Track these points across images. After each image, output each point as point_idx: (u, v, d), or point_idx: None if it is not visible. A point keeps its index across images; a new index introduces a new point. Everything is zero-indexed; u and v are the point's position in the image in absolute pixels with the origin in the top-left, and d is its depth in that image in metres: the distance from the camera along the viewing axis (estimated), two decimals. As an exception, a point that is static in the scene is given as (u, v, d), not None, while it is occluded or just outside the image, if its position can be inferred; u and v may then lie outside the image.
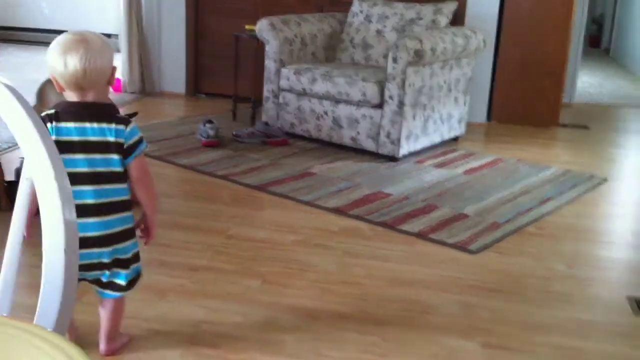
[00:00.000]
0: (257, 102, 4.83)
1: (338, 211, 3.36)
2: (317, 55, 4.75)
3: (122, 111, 4.95)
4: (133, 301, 2.42)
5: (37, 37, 7.74)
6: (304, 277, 2.67)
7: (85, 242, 1.71)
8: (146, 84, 5.63)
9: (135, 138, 1.88)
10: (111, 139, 1.84)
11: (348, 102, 4.21)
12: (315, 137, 4.42)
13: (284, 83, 4.46)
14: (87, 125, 1.83)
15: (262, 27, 4.51)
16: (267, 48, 4.52)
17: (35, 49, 7.40)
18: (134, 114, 3.35)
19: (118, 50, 5.61)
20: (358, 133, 4.22)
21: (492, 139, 5.02)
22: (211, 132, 4.25)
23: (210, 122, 4.32)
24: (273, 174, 3.84)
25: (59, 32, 6.58)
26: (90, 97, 1.84)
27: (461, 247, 3.01)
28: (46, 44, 6.66)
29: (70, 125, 1.82)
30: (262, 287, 2.57)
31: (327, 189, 3.65)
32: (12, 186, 3.19)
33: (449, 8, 4.59)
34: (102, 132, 1.84)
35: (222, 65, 5.46)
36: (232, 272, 2.69)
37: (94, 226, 1.87)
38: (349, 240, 3.05)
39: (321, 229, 3.15)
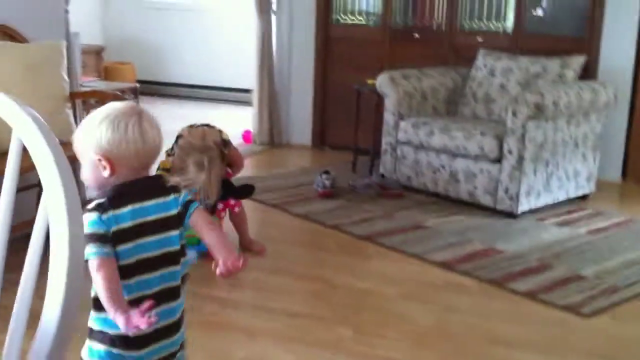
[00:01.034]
0: (375, 154, 4.86)
1: (445, 265, 3.27)
2: (437, 109, 4.72)
3: (252, 161, 5.18)
4: (224, 340, 2.47)
5: (178, 92, 8.27)
6: (399, 330, 2.62)
7: (170, 329, 1.55)
8: (274, 136, 5.83)
9: (186, 198, 1.59)
10: (174, 211, 1.55)
11: (465, 156, 4.13)
12: (431, 190, 4.37)
13: (402, 136, 4.46)
14: (149, 203, 1.52)
15: (382, 82, 4.56)
16: (386, 101, 4.56)
17: (175, 102, 7.89)
18: (251, 189, 3.47)
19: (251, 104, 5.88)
20: (475, 187, 4.12)
21: (625, 198, 4.72)
22: (327, 183, 4.31)
23: (327, 172, 4.38)
24: (384, 225, 3.82)
25: (198, 87, 6.92)
26: (145, 173, 1.56)
27: (573, 309, 2.83)
28: (186, 97, 6.99)
29: (129, 208, 1.49)
30: (355, 337, 2.55)
31: (438, 242, 3.58)
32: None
33: (577, 61, 4.43)
34: (166, 206, 1.54)
35: (347, 118, 5.56)
36: (328, 319, 2.68)
37: (177, 309, 1.58)
38: (452, 295, 2.96)
39: (425, 283, 3.08)
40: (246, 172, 4.96)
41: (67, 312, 0.98)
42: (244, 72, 6.56)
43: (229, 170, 3.40)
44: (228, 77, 8.01)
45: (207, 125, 3.43)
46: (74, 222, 1.00)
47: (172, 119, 3.52)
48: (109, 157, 1.47)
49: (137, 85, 6.35)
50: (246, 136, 5.88)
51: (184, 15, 8.33)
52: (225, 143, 3.34)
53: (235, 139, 5.88)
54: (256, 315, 2.72)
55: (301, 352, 2.41)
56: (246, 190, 3.44)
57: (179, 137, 3.37)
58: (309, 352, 2.42)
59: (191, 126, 3.42)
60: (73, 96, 3.30)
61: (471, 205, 4.18)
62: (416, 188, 4.45)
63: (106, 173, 1.48)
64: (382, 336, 2.56)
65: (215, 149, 3.24)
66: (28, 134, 1.07)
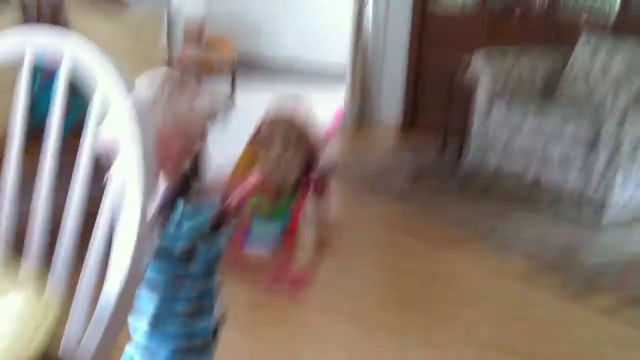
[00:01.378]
0: (465, 136, 4.72)
1: (527, 255, 3.14)
2: (535, 90, 4.53)
3: (338, 143, 5.16)
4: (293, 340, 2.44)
5: (275, 65, 8.34)
6: (466, 318, 2.53)
7: None
8: (365, 114, 5.77)
9: None
10: None
11: (560, 139, 3.95)
12: (522, 175, 4.21)
13: (494, 117, 4.31)
14: None
15: (476, 60, 4.42)
16: (480, 81, 4.42)
17: (270, 76, 7.95)
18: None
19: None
20: (568, 173, 3.93)
21: None
22: (411, 166, 4.23)
23: (412, 155, 4.30)
24: (465, 213, 3.75)
25: (294, 61, 6.89)
26: None
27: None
28: (281, 71, 6.98)
29: None
30: (422, 323, 2.48)
31: (521, 233, 3.45)
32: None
33: (690, 44, 4.14)
34: None
35: (440, 99, 5.43)
36: (396, 304, 2.63)
37: None
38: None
39: (498, 275, 2.98)
40: (335, 150, 4.95)
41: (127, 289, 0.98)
42: (339, 49, 6.51)
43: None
44: (324, 52, 7.99)
45: (296, 101, 3.39)
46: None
47: (267, 92, 3.53)
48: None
49: (234, 55, 6.43)
50: (339, 114, 5.85)
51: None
52: (311, 128, 3.31)
53: (328, 114, 5.88)
54: (325, 292, 2.69)
55: (369, 335, 2.38)
56: (329, 170, 3.42)
57: (266, 112, 3.37)
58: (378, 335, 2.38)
59: (280, 102, 3.40)
60: (171, 63, 3.38)
61: (563, 192, 3.99)
62: (506, 172, 4.30)
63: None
64: (454, 325, 2.49)
65: (303, 131, 3.23)
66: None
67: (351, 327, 2.39)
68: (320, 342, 2.33)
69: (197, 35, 7.88)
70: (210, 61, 6.51)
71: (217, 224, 1.29)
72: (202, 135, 1.31)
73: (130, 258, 0.95)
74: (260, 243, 3.10)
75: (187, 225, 1.24)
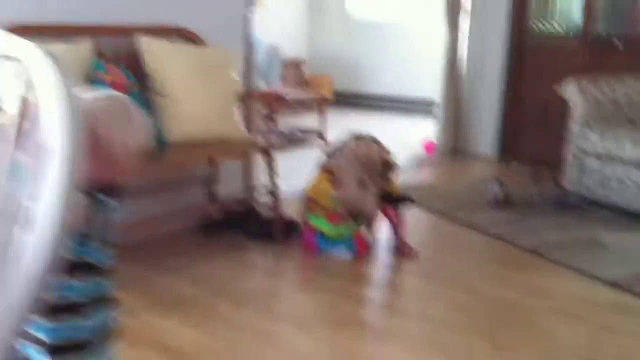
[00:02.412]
0: (560, 166, 4.52)
1: (614, 284, 2.94)
2: (633, 120, 4.28)
3: (432, 171, 5.09)
4: (352, 338, 2.43)
5: (371, 102, 8.42)
6: (542, 346, 2.39)
7: None
8: (459, 146, 5.67)
9: None
10: None
11: (658, 168, 3.70)
12: (618, 205, 3.96)
13: (588, 147, 4.11)
14: None
15: (569, 89, 4.25)
16: (573, 110, 4.24)
17: (365, 112, 8.00)
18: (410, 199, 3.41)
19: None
20: (668, 204, 3.68)
21: None
22: (499, 193, 4.10)
23: (500, 182, 4.16)
24: (554, 238, 3.54)
25: (388, 99, 6.98)
26: None
27: None
28: (377, 108, 7.07)
29: None
30: (490, 349, 2.37)
31: (612, 260, 3.24)
32: (287, 223, 3.47)
33: None
34: None
35: (537, 130, 5.26)
36: (462, 327, 2.53)
37: None
38: (612, 315, 2.65)
39: (585, 300, 2.80)
40: (423, 179, 4.89)
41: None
42: (430, 84, 6.48)
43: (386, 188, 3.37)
44: (415, 89, 8.00)
45: (375, 140, 3.41)
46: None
47: (360, 128, 3.56)
48: None
49: (327, 95, 6.52)
50: (429, 146, 5.78)
51: (382, 28, 8.44)
52: (389, 165, 3.32)
53: (416, 149, 5.84)
54: (391, 316, 2.65)
55: (426, 357, 2.30)
56: (404, 200, 3.39)
57: (344, 144, 3.40)
58: (434, 358, 2.29)
59: (359, 137, 3.42)
60: (244, 97, 3.47)
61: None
62: (601, 202, 4.07)
63: None
64: (519, 351, 2.36)
65: (379, 166, 3.25)
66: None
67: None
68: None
69: (295, 75, 8.07)
70: (305, 99, 6.62)
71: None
72: (126, 170, 1.31)
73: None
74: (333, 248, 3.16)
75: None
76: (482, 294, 2.84)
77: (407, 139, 6.29)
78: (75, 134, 0.90)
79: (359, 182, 3.16)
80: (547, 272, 3.12)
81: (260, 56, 6.92)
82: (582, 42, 5.15)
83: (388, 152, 3.37)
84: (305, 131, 6.26)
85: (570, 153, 4.26)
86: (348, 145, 3.36)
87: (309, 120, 6.91)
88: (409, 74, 8.17)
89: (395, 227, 3.41)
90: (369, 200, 3.18)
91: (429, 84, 6.39)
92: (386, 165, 3.32)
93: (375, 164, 3.27)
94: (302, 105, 6.58)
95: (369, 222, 3.30)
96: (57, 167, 0.88)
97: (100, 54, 2.96)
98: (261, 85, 6.49)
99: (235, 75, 3.33)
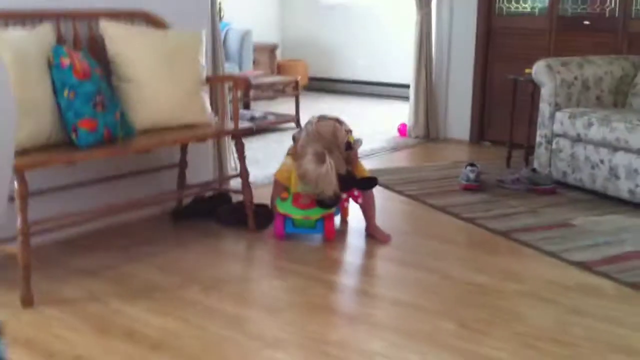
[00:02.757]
0: (530, 148, 4.54)
1: (583, 266, 2.96)
2: (602, 100, 4.31)
3: (405, 155, 5.09)
4: (322, 322, 2.42)
5: (345, 88, 8.38)
6: (510, 329, 2.40)
7: None
8: (431, 130, 5.67)
9: None
10: None
11: (627, 150, 3.72)
12: (588, 187, 3.99)
13: (557, 127, 4.12)
14: None
15: (538, 69, 4.25)
16: (542, 91, 4.25)
17: (340, 98, 7.98)
18: (374, 181, 3.36)
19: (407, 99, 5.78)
20: (637, 185, 3.70)
21: None
22: (471, 176, 4.10)
23: (472, 165, 4.17)
24: (525, 221, 3.55)
25: (362, 83, 7.01)
26: None
27: None
28: (351, 93, 7.10)
29: None
30: (457, 331, 2.37)
31: (581, 242, 3.25)
32: (258, 209, 3.44)
33: None
34: None
35: (507, 112, 5.27)
36: (431, 311, 2.52)
37: None
38: (581, 297, 2.66)
39: (554, 283, 2.81)
40: (397, 163, 4.89)
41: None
42: (405, 68, 6.47)
43: (349, 168, 3.34)
44: (390, 73, 7.99)
45: (338, 120, 3.39)
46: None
47: (335, 113, 3.53)
48: None
49: (298, 78, 6.47)
50: (402, 129, 5.78)
51: (353, 13, 8.40)
52: (350, 145, 3.29)
53: (391, 133, 5.83)
54: (359, 300, 2.64)
55: (394, 341, 2.29)
56: (369, 182, 3.36)
57: (307, 123, 3.38)
58: (402, 342, 2.29)
59: (322, 117, 3.41)
60: (209, 80, 3.42)
61: (632, 205, 3.76)
62: (571, 184, 4.10)
63: None
64: (488, 334, 2.36)
65: (340, 145, 3.20)
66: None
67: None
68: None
69: (269, 61, 8.02)
70: (277, 84, 6.57)
71: None
72: None
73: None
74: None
75: None
76: (453, 278, 2.84)
77: (382, 124, 6.29)
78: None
79: (317, 155, 3.09)
80: (518, 255, 3.13)
81: (232, 42, 6.85)
82: (550, 21, 5.16)
83: (350, 131, 3.34)
84: (279, 116, 6.22)
85: (540, 135, 4.27)
86: (311, 124, 3.33)
87: (283, 106, 6.87)
88: (383, 58, 8.16)
89: (364, 210, 3.40)
90: (327, 175, 3.08)
91: (403, 68, 6.38)
92: (348, 146, 3.27)
93: (336, 140, 3.22)
94: (274, 90, 6.53)
95: (331, 201, 3.22)
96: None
97: (60, 39, 2.90)
98: (234, 70, 6.43)
99: (202, 59, 3.28)
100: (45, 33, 2.73)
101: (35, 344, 2.25)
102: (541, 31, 5.20)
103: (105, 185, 3.31)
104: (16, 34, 2.65)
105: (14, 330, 2.34)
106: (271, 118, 6.02)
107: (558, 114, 4.13)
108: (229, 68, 5.78)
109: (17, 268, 2.53)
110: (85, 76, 2.67)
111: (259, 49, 7.61)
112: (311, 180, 3.04)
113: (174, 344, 2.25)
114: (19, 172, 2.46)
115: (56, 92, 2.67)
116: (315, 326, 2.40)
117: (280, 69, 8.21)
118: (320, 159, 3.02)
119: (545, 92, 4.22)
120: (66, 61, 2.62)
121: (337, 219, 3.47)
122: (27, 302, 2.52)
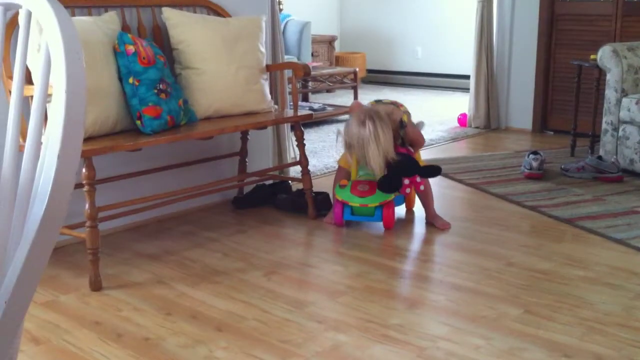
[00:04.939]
0: (595, 135, 4.43)
1: (651, 253, 2.88)
2: (672, 86, 4.17)
3: (466, 144, 5.03)
4: (382, 306, 2.42)
5: (405, 80, 8.31)
6: (575, 314, 2.35)
7: None
8: (492, 120, 5.59)
9: None
10: None
11: (698, 135, 3.60)
12: (656, 175, 3.87)
13: (624, 114, 4.01)
14: None
15: (603, 55, 4.15)
16: (608, 77, 4.13)
17: (400, 90, 7.93)
18: (438, 169, 3.30)
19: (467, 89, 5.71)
20: None
21: None
22: (534, 164, 4.02)
23: (535, 153, 4.09)
24: (591, 209, 3.47)
25: (423, 74, 6.97)
26: None
27: None
28: (411, 85, 7.08)
29: None
30: (522, 317, 2.33)
31: (650, 229, 3.16)
32: (318, 196, 3.46)
33: None
34: None
35: (571, 100, 5.15)
36: (494, 297, 2.49)
37: None
38: (651, 284, 2.59)
39: (620, 269, 2.74)
40: (457, 153, 4.83)
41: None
42: (465, 59, 6.40)
43: (410, 148, 3.32)
44: (450, 65, 7.90)
45: (395, 103, 3.39)
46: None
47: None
48: None
49: (357, 69, 6.46)
50: (462, 120, 5.72)
51: (412, 4, 8.33)
52: (402, 124, 3.27)
53: (451, 124, 5.77)
54: (421, 286, 2.62)
55: (457, 325, 2.27)
56: (432, 170, 3.33)
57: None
58: (466, 327, 2.26)
59: (379, 101, 3.42)
60: (269, 68, 3.45)
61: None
62: (638, 172, 3.98)
63: None
64: (553, 319, 2.31)
65: (385, 118, 3.17)
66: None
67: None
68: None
69: (327, 52, 8.03)
70: (336, 75, 6.57)
71: None
72: None
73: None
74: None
75: None
76: (516, 264, 2.80)
77: (441, 115, 6.23)
78: (75, 73, 0.90)
79: (359, 119, 3.09)
80: (583, 242, 3.06)
81: (291, 33, 6.89)
82: (615, 6, 5.01)
83: (408, 112, 3.34)
84: (337, 108, 6.22)
85: (606, 122, 4.16)
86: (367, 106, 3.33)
87: (342, 99, 6.87)
88: (442, 49, 8.08)
89: (422, 198, 3.38)
90: (371, 137, 3.05)
91: (464, 58, 6.30)
92: (400, 125, 3.25)
93: (381, 115, 3.18)
94: (332, 81, 6.54)
95: (389, 181, 3.16)
96: (60, 104, 0.90)
97: (125, 27, 2.97)
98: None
99: (262, 46, 3.31)
100: (110, 21, 2.80)
101: (104, 326, 2.31)
102: (606, 16, 5.06)
103: (168, 173, 3.38)
104: (82, 21, 2.72)
105: (83, 313, 2.41)
106: (330, 110, 6.03)
107: (625, 100, 4.02)
108: (288, 60, 5.81)
109: (86, 253, 2.60)
110: (149, 63, 2.73)
111: (317, 41, 7.64)
112: (354, 144, 3.06)
113: (237, 326, 2.29)
114: (87, 158, 2.53)
115: (121, 79, 2.73)
116: (376, 310, 2.40)
117: (338, 61, 8.21)
118: (362, 123, 3.03)
119: (612, 78, 4.11)
120: (131, 48, 2.69)
121: (398, 209, 3.46)
122: (96, 285, 2.60)
